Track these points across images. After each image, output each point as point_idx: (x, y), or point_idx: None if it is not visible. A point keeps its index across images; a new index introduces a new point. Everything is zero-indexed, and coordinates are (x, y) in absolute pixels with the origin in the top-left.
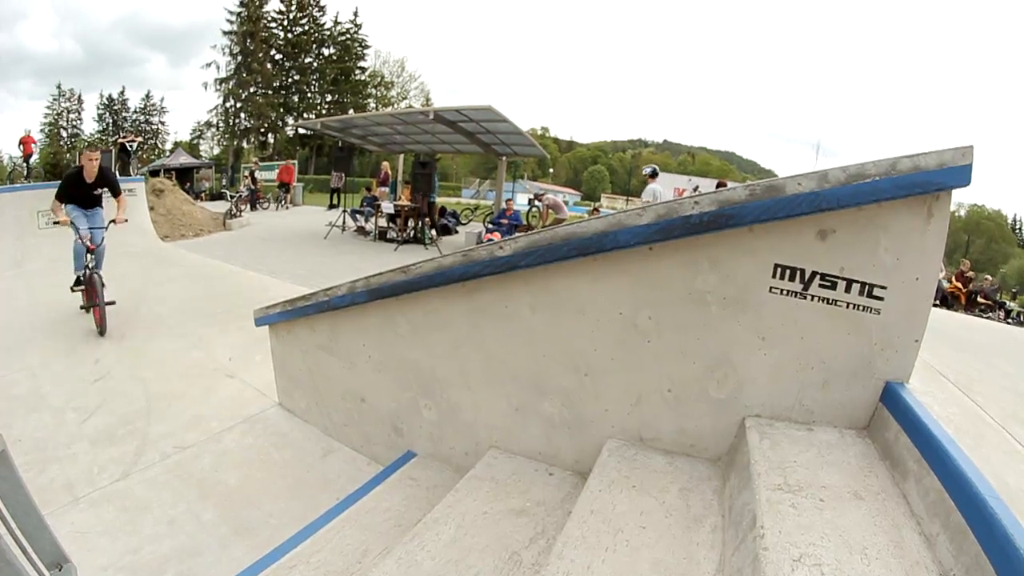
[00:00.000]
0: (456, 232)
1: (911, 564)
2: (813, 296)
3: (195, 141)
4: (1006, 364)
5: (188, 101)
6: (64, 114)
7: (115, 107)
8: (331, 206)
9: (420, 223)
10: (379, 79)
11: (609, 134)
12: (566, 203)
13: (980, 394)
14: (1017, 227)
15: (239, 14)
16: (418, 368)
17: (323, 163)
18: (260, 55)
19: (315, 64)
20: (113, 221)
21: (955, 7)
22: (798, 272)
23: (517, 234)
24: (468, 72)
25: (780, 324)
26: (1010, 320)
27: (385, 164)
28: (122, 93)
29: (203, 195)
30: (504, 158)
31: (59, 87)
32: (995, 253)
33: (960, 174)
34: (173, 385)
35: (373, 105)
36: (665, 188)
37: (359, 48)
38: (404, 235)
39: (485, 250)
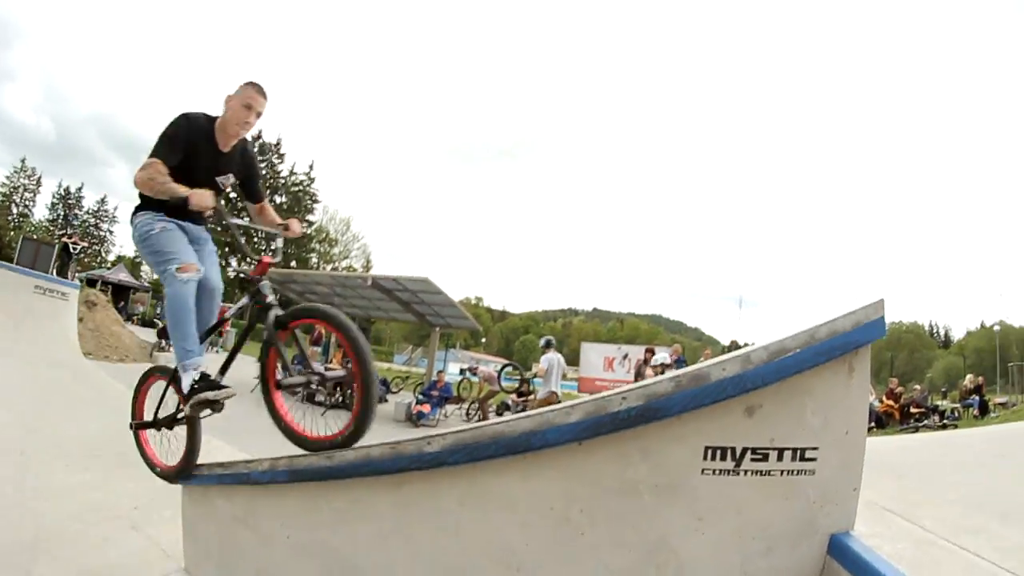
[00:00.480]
0: (386, 401)
1: None
2: (746, 471)
3: (138, 260)
4: (951, 474)
5: None
6: (20, 190)
7: (70, 201)
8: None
9: (348, 390)
10: (324, 235)
11: (541, 304)
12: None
13: (928, 518)
14: (934, 331)
15: None
16: (339, 556)
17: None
18: None
19: None
20: None
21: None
22: (729, 451)
23: (444, 431)
24: (409, 237)
25: (716, 503)
26: (946, 420)
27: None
28: (80, 189)
29: (135, 319)
30: (438, 329)
31: (23, 161)
32: (919, 361)
33: (875, 328)
34: (66, 525)
35: (315, 260)
36: (597, 356)
37: (309, 201)
38: (332, 400)
39: (413, 445)
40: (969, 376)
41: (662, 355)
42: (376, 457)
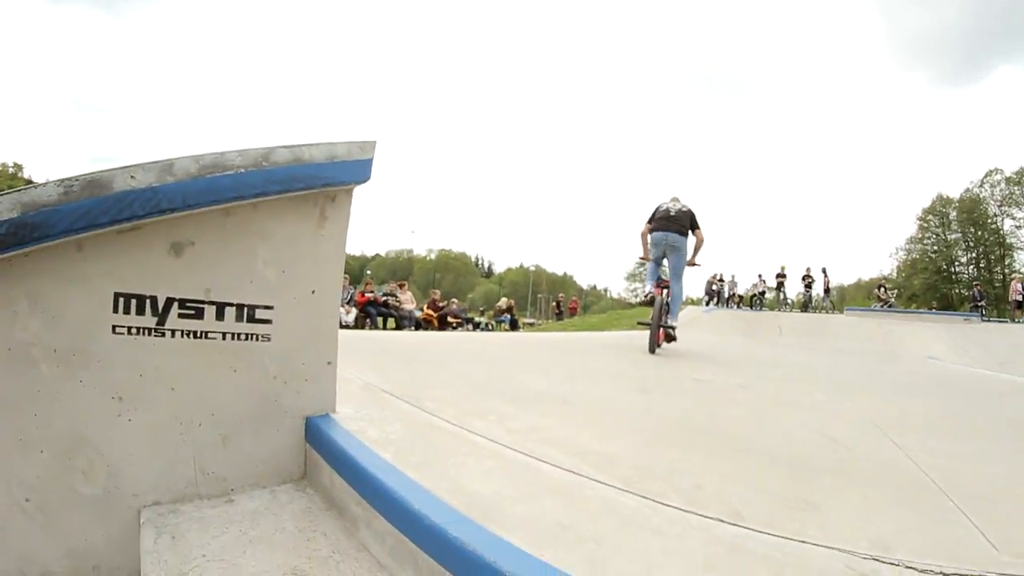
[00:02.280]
0: None
1: None
2: (174, 331)
3: None
4: (468, 364)
5: None
6: None
7: None
8: None
9: None
10: None
11: None
12: None
13: (433, 400)
14: (479, 263)
15: None
16: None
17: None
18: None
19: None
20: None
21: None
22: (147, 300)
23: None
24: None
25: (138, 375)
26: (479, 328)
27: None
28: None
29: None
30: None
31: None
32: (463, 284)
33: (358, 169)
34: None
35: None
36: None
37: None
38: None
39: None
40: (504, 299)
41: None
42: None
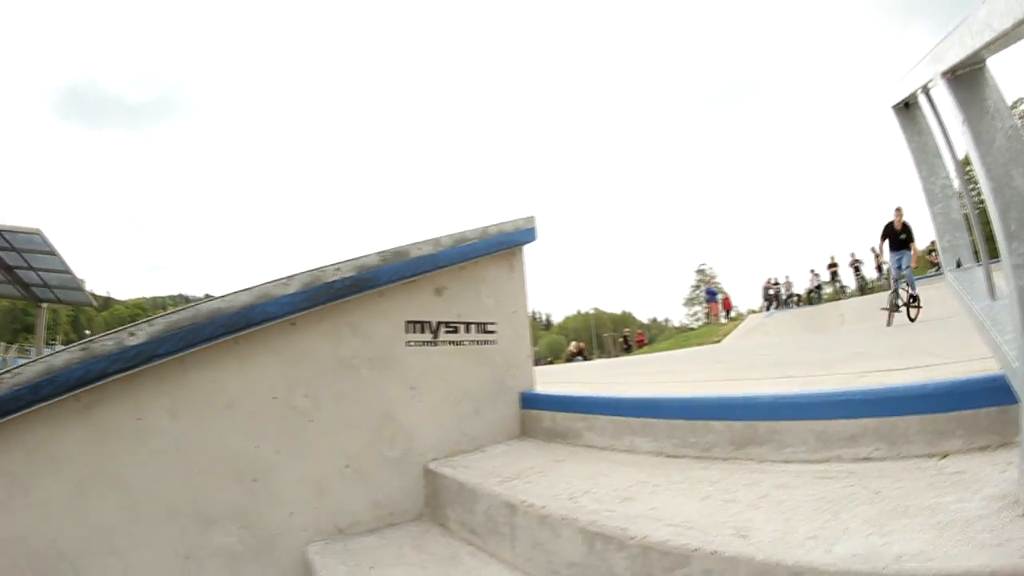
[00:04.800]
0: None
1: None
2: (442, 341)
3: None
4: (583, 375)
5: None
6: None
7: None
8: None
9: None
10: None
11: (149, 290)
12: None
13: (578, 383)
14: (537, 317)
15: None
16: (29, 548)
17: None
18: None
19: None
20: None
21: None
22: (426, 324)
23: (150, 318)
24: None
25: (423, 371)
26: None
27: None
28: None
29: None
30: (45, 305)
31: None
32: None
33: (529, 234)
34: None
35: None
36: None
37: None
38: None
39: (110, 339)
40: (573, 342)
41: None
42: (60, 367)
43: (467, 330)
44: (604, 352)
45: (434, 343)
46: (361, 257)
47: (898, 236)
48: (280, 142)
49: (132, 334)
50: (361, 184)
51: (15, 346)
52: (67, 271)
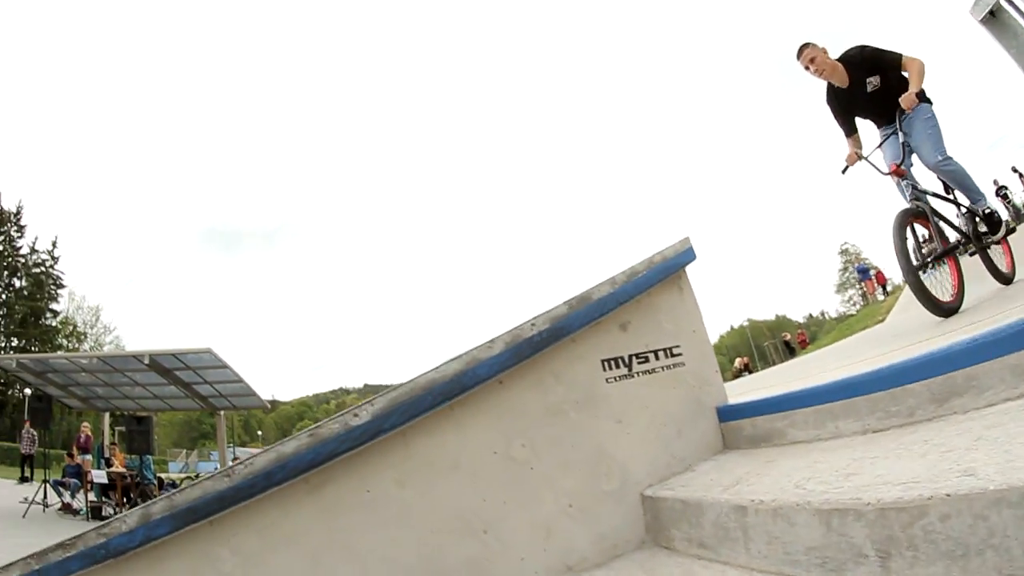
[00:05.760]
0: None
1: None
2: (638, 372)
3: None
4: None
5: None
6: None
7: None
8: (22, 479)
9: (140, 494)
10: (71, 328)
11: (310, 388)
12: None
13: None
14: None
15: None
16: None
17: (5, 425)
18: None
19: (3, 296)
20: None
21: None
22: (620, 360)
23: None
24: (165, 326)
25: (626, 404)
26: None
27: (85, 425)
28: None
29: None
30: (223, 412)
31: None
32: None
33: (688, 254)
34: None
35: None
36: None
37: (53, 286)
38: (122, 511)
39: (336, 423)
40: (738, 359)
41: None
42: (291, 453)
43: (656, 357)
44: (766, 362)
45: (630, 375)
46: (552, 309)
47: None
48: (391, 232)
49: (356, 415)
50: (491, 240)
51: (195, 451)
52: (239, 380)
